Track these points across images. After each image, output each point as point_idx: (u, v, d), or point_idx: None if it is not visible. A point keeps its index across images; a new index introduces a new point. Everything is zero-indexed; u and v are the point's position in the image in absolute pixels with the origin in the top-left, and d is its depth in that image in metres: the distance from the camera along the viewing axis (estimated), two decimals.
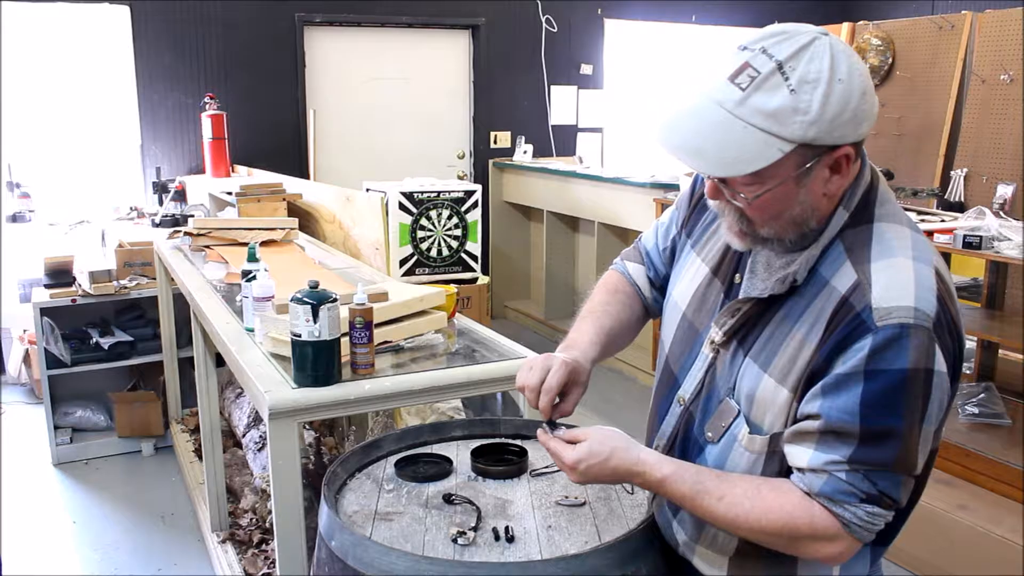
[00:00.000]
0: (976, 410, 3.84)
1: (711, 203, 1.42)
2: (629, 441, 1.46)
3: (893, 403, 1.22)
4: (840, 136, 1.24)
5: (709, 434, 1.44)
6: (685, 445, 1.50)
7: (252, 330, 2.50)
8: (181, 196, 5.67)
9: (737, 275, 1.47)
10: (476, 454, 1.90)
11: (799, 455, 1.30)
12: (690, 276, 1.58)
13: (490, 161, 7.40)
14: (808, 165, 1.26)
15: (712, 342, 1.46)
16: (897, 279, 1.25)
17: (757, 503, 1.32)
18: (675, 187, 5.42)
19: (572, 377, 1.59)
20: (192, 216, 4.65)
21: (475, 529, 1.61)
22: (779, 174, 1.26)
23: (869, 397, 1.22)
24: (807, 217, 1.32)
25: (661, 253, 1.73)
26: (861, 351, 1.22)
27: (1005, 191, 4.63)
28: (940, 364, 1.24)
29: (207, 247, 3.80)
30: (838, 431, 1.25)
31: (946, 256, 3.84)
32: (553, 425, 1.55)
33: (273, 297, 2.46)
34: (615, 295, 1.77)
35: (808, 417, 1.29)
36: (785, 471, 1.35)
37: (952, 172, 4.98)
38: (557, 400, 1.57)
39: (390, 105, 7.02)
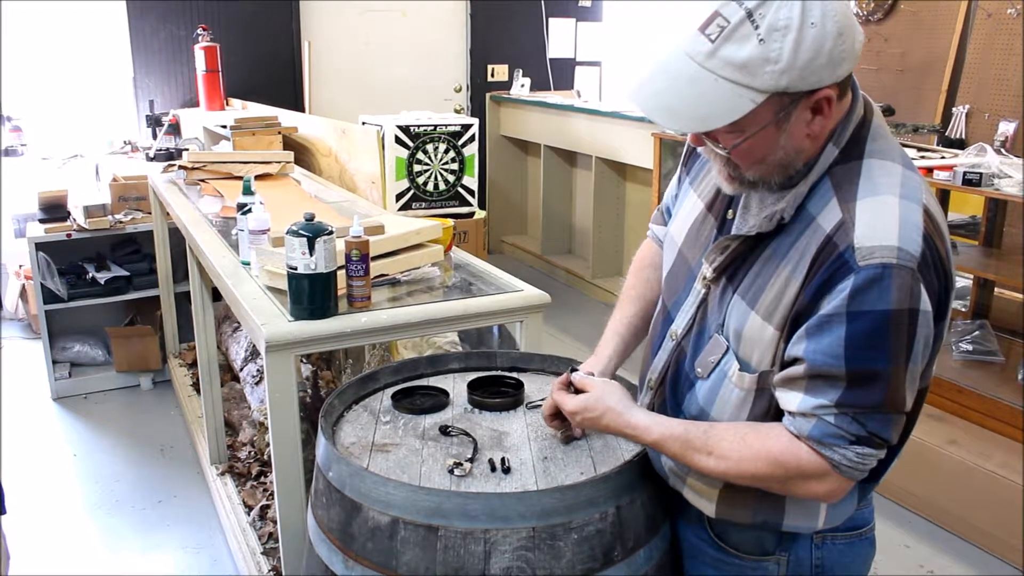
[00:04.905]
0: (970, 347, 3.86)
1: (700, 149, 1.42)
2: (624, 402, 1.50)
3: (877, 344, 1.22)
4: (817, 80, 1.22)
5: (699, 370, 1.45)
6: (676, 380, 1.51)
7: (248, 263, 2.49)
8: (175, 130, 5.62)
9: (730, 211, 1.46)
10: (472, 386, 1.92)
11: (789, 400, 1.30)
12: (686, 212, 1.58)
13: (487, 95, 7.33)
14: (785, 111, 1.24)
15: (704, 278, 1.46)
16: (881, 218, 1.24)
17: (744, 453, 1.33)
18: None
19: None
20: (186, 150, 4.60)
21: (471, 460, 1.63)
22: (757, 122, 1.24)
23: (853, 339, 1.22)
24: (792, 159, 1.31)
25: (674, 202, 1.72)
26: (843, 291, 1.22)
27: (1007, 128, 4.59)
28: (925, 303, 1.23)
29: (202, 181, 3.78)
30: (824, 375, 1.25)
31: (945, 193, 3.82)
32: (574, 369, 1.63)
33: (269, 230, 2.45)
34: (642, 273, 1.80)
35: (795, 361, 1.29)
36: (774, 408, 1.35)
37: (954, 109, 4.94)
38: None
39: (386, 37, 6.93)
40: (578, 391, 1.56)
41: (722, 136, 1.28)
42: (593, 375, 1.62)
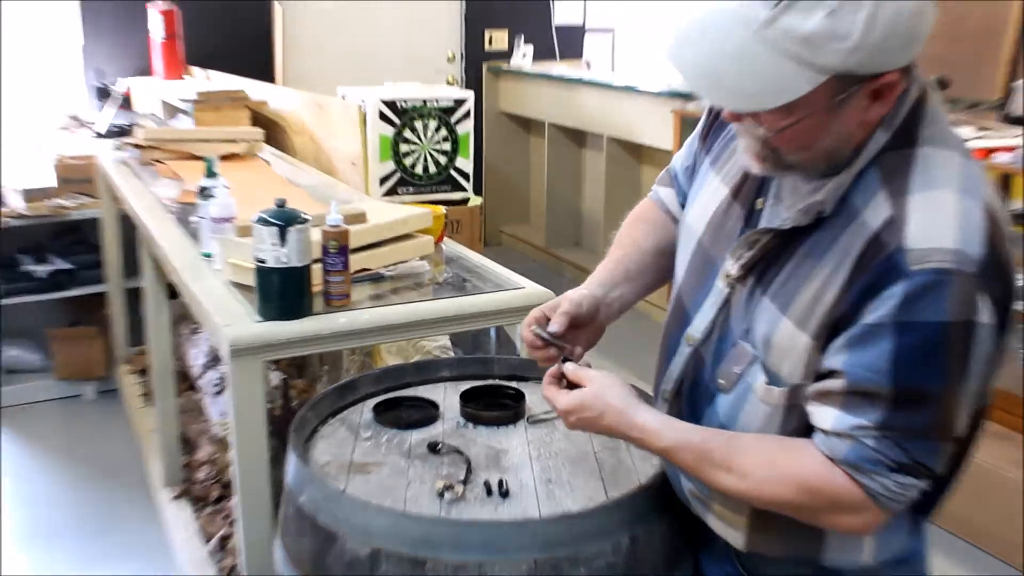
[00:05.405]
0: None
1: (733, 125, 1.40)
2: (628, 400, 1.47)
3: (929, 361, 1.21)
4: (885, 63, 1.20)
5: (721, 381, 1.44)
6: (694, 392, 1.50)
7: (210, 255, 2.50)
8: (127, 103, 5.61)
9: (760, 199, 1.45)
10: (466, 397, 1.92)
11: (822, 416, 1.29)
12: (707, 198, 1.56)
13: (484, 65, 7.33)
14: (844, 95, 1.23)
15: (728, 276, 1.45)
16: (938, 216, 1.22)
17: (770, 473, 1.32)
18: (696, 96, 5.37)
19: (552, 306, 1.65)
20: (140, 126, 4.60)
21: (464, 482, 1.63)
22: (809, 105, 1.22)
23: (900, 353, 1.20)
24: (840, 147, 1.29)
25: (685, 172, 1.72)
26: (892, 299, 1.20)
27: None
28: (985, 315, 1.21)
29: (158, 161, 3.78)
30: (866, 392, 1.23)
31: (1006, 177, 3.82)
32: (565, 360, 1.58)
33: (234, 218, 2.46)
34: (637, 224, 1.79)
35: (832, 374, 1.27)
36: (805, 428, 1.34)
37: (1016, 82, 4.94)
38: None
39: None
40: (572, 386, 1.53)
41: (766, 116, 1.26)
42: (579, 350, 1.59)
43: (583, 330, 1.66)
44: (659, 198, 1.79)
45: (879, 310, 1.21)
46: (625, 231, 1.80)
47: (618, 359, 4.66)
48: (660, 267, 1.72)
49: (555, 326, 1.60)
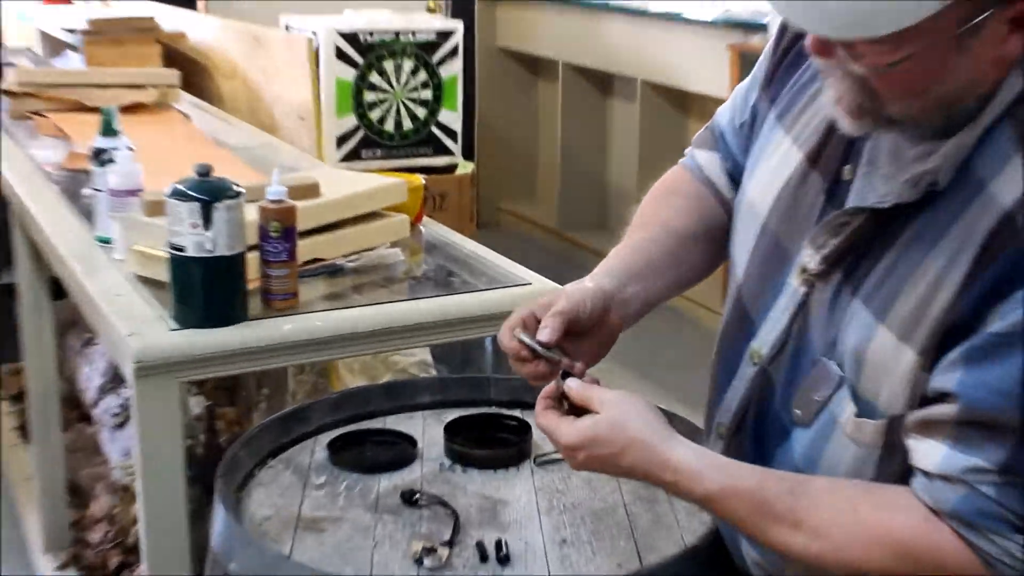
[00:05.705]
0: None
1: (816, 61, 1.38)
2: (658, 430, 1.44)
3: None
4: None
5: (797, 411, 1.44)
6: (760, 426, 1.51)
7: (108, 241, 2.50)
8: None
9: (847, 167, 1.45)
10: (453, 431, 1.92)
11: (927, 453, 1.28)
12: (773, 165, 1.57)
13: None
14: (976, 21, 1.20)
15: (804, 271, 1.45)
16: None
17: (852, 530, 1.31)
18: (761, 27, 5.39)
19: (544, 305, 1.59)
20: (11, 66, 4.61)
21: (450, 544, 1.63)
22: (928, 34, 1.20)
23: None
24: (962, 94, 1.28)
25: (739, 131, 1.72)
26: None
27: None
28: None
29: (36, 114, 3.79)
30: (986, 422, 1.22)
31: None
32: (566, 375, 1.53)
33: (140, 191, 2.45)
34: (665, 199, 1.79)
35: (941, 397, 1.27)
36: (908, 475, 1.33)
37: None
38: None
39: None
40: (576, 410, 1.49)
41: (869, 48, 1.24)
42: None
43: (587, 337, 1.61)
44: (696, 165, 1.78)
45: (1010, 315, 1.21)
46: (649, 207, 1.78)
47: (653, 378, 4.67)
48: (696, 256, 1.72)
49: (546, 332, 1.53)
